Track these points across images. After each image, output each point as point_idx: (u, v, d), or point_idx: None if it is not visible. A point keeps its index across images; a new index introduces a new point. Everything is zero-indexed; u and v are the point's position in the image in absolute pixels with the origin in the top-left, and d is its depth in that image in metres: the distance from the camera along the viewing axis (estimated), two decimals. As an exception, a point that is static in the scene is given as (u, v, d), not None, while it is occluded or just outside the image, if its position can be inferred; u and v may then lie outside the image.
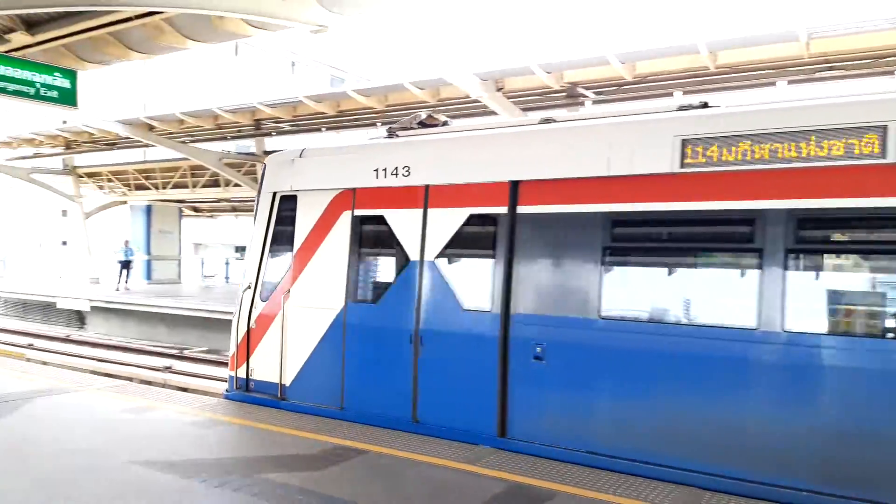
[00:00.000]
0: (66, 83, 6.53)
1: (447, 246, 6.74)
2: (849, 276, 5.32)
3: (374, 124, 14.53)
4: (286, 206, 7.95)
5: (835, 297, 5.18)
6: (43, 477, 5.41)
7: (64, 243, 35.54)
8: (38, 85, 6.33)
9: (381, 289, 7.24)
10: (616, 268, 6.08)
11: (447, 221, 6.75)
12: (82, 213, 27.01)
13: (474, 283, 6.63)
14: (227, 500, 4.95)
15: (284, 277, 7.85)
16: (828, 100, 5.52)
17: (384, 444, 6.33)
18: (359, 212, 7.35)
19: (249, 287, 8.15)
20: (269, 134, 17.12)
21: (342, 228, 7.44)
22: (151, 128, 17.54)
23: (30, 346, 17.45)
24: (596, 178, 5.96)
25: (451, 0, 11.63)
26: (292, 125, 16.11)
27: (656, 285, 6.03)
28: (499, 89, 11.54)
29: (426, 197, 6.89)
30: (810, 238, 5.25)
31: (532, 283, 6.25)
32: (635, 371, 5.67)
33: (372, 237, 7.36)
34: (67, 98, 6.58)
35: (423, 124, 7.99)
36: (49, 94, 6.45)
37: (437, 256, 6.77)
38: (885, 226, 4.92)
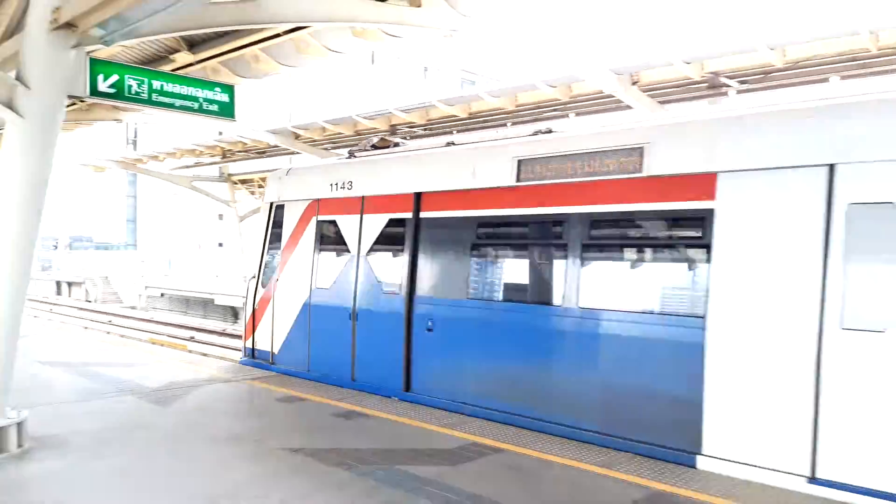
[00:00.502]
0: (225, 97, 7.09)
1: (374, 243, 8.75)
2: (619, 265, 6.94)
3: (504, 124, 14.54)
4: (277, 213, 10.30)
5: (610, 280, 6.89)
6: (206, 458, 5.93)
7: (220, 245, 38.55)
8: (200, 100, 6.93)
9: (333, 277, 9.25)
10: (478, 259, 7.80)
11: (375, 224, 8.75)
12: (237, 216, 29.13)
13: (391, 272, 8.56)
14: (371, 489, 5.17)
15: (276, 269, 10.15)
16: (610, 128, 7.31)
17: (518, 443, 6.35)
18: (321, 217, 9.53)
19: (254, 277, 10.61)
20: (405, 138, 17.65)
21: (311, 230, 9.64)
22: (297, 136, 18.61)
23: (191, 339, 19.13)
24: (466, 189, 7.76)
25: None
26: (425, 129, 16.50)
27: (502, 273, 7.83)
28: (634, 83, 11.15)
29: (363, 205, 8.94)
30: (595, 235, 6.79)
31: (427, 271, 8.13)
32: (489, 340, 7.39)
33: (328, 237, 9.46)
34: (226, 111, 7.14)
35: (375, 147, 10.09)
36: (210, 107, 7.02)
37: (368, 252, 8.79)
38: (643, 224, 6.51)
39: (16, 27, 7.56)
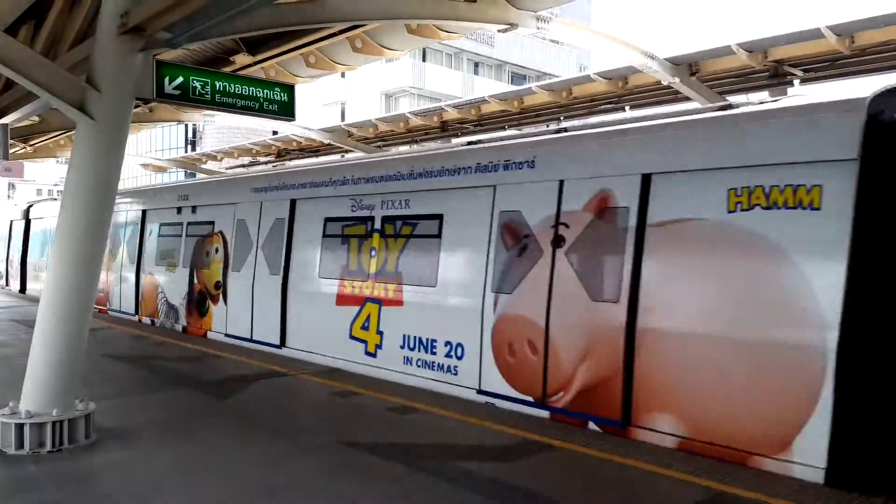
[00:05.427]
0: (284, 97, 7.20)
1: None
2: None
3: (558, 118, 14.39)
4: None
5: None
6: (263, 453, 6.04)
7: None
8: (261, 100, 7.06)
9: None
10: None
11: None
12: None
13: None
14: (428, 485, 5.19)
15: None
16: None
17: (578, 442, 6.28)
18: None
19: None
20: (455, 135, 17.65)
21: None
22: (350, 134, 18.84)
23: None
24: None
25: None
26: (476, 125, 16.46)
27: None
28: (693, 74, 10.89)
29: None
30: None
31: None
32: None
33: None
34: (286, 111, 7.25)
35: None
36: (271, 107, 7.15)
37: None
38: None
39: (86, 32, 7.86)
